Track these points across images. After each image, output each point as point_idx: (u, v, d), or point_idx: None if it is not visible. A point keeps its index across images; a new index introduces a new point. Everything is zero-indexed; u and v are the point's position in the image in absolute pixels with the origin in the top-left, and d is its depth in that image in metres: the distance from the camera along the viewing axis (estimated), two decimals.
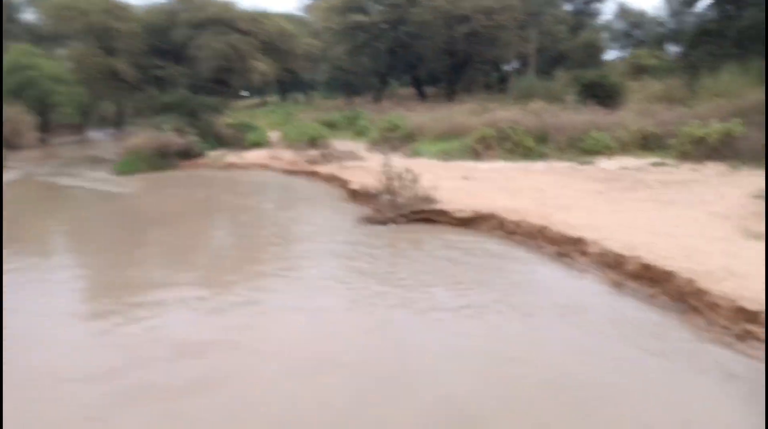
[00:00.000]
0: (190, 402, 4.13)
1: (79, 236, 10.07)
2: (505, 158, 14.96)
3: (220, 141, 20.62)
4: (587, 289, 6.30)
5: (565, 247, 7.40)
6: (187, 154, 18.45)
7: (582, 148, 14.94)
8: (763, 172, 11.04)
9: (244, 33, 22.01)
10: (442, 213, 9.39)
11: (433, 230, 9.04)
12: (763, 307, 4.80)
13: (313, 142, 17.42)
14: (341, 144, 18.11)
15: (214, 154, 18.94)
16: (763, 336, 4.69)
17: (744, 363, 4.46)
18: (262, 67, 22.33)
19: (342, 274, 7.01)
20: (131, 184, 15.35)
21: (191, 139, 18.70)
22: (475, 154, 15.39)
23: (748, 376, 4.25)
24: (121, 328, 5.48)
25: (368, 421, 3.89)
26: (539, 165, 13.83)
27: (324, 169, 15.22)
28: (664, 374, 4.40)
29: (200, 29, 21.46)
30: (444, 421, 3.87)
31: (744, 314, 4.91)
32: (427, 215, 9.54)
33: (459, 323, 5.47)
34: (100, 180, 16.36)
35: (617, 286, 6.24)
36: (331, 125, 22.10)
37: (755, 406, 3.87)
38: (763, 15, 16.82)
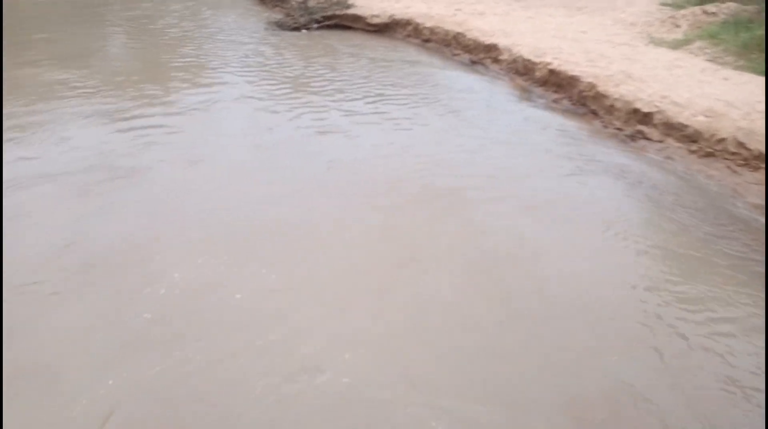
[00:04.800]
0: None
1: None
2: None
3: None
4: (498, 94, 6.47)
5: (479, 55, 7.42)
6: None
7: None
8: None
9: None
10: (357, 18, 8.98)
11: (346, 36, 8.69)
12: (655, 109, 5.19)
13: None
14: None
15: None
16: (652, 135, 5.14)
17: (632, 159, 4.90)
18: None
19: (259, 88, 6.73)
20: None
21: None
22: None
23: (634, 170, 4.69)
24: (22, 158, 5.06)
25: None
26: None
27: None
28: (564, 167, 4.75)
29: None
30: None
31: (637, 115, 5.30)
32: (340, 20, 9.10)
33: (380, 126, 5.50)
34: None
35: (525, 92, 6.45)
36: None
37: (636, 192, 4.34)
38: None
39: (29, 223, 3.64)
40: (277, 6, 9.92)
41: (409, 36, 8.50)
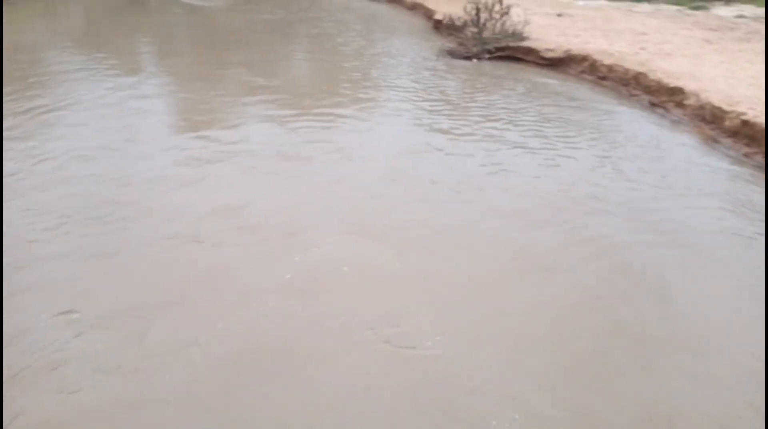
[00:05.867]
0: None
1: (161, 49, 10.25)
2: None
3: None
4: (677, 140, 5.98)
5: (660, 97, 6.93)
6: None
7: None
8: None
9: None
10: (530, 51, 8.85)
11: (517, 69, 8.59)
12: None
13: None
14: None
15: None
16: None
17: None
18: None
19: (417, 106, 6.90)
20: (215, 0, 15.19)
21: None
22: None
23: None
24: (207, 139, 5.71)
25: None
26: (644, 6, 12.53)
27: None
28: (743, 226, 4.25)
29: None
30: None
31: None
32: (512, 52, 9.03)
33: (531, 155, 5.34)
34: None
35: (711, 141, 5.89)
36: None
37: None
38: None
39: (202, 187, 4.58)
40: (451, 35, 10.11)
41: (583, 72, 8.19)
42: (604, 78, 7.86)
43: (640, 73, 7.34)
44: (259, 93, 7.08)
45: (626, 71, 7.55)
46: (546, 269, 3.61)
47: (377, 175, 4.88)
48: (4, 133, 5.48)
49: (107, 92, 7.05)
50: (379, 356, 2.84)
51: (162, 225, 3.97)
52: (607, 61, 7.90)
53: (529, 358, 2.87)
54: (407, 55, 9.47)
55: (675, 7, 12.58)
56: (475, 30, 9.31)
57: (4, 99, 6.57)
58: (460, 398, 2.60)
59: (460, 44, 9.42)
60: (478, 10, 9.26)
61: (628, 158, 5.42)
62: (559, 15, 11.19)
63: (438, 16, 11.09)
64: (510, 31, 9.18)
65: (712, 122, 6.14)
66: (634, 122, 6.49)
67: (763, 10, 12.01)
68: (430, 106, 6.86)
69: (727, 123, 5.94)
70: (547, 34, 9.40)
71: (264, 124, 6.04)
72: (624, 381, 2.76)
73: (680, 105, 6.64)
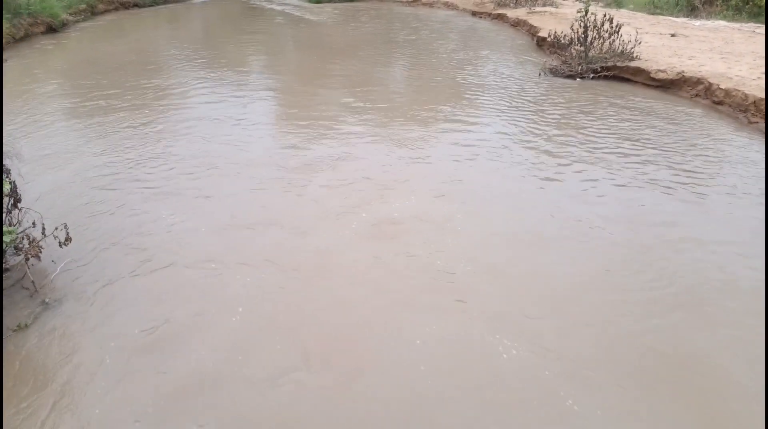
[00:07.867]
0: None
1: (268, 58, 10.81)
2: (728, 17, 12.80)
3: None
4: None
5: None
6: None
7: None
8: None
9: None
10: (639, 71, 8.49)
11: (623, 89, 8.26)
12: None
13: None
14: None
15: None
16: None
17: None
18: None
19: (515, 125, 6.81)
20: (322, 13, 15.78)
21: None
22: (691, 10, 13.34)
23: None
24: (308, 139, 6.03)
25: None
26: None
27: (512, 12, 14.26)
28: None
29: None
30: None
31: None
32: (619, 72, 8.70)
33: (619, 187, 5.13)
34: (295, 6, 17.09)
35: None
36: None
37: None
38: None
39: (295, 151, 5.78)
40: (554, 53, 9.91)
41: (697, 95, 7.74)
42: (719, 103, 7.39)
43: (761, 99, 6.83)
44: (357, 88, 8.09)
45: (746, 96, 7.05)
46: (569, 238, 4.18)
47: (459, 156, 5.65)
48: (148, 106, 7.19)
49: (224, 83, 8.53)
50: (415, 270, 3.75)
51: (258, 172, 5.19)
52: (725, 85, 7.42)
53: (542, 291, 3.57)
54: (506, 69, 9.39)
55: None
56: (580, 48, 9.07)
57: (137, 83, 8.25)
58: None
59: (564, 62, 9.21)
60: (586, 28, 9.02)
61: (742, 195, 5.06)
62: (673, 35, 10.64)
63: (542, 34, 10.90)
64: (618, 51, 8.86)
65: None
66: (751, 153, 6.03)
67: None
68: (522, 113, 6.98)
69: None
70: (658, 55, 8.98)
71: (359, 114, 7.01)
72: None
73: None
